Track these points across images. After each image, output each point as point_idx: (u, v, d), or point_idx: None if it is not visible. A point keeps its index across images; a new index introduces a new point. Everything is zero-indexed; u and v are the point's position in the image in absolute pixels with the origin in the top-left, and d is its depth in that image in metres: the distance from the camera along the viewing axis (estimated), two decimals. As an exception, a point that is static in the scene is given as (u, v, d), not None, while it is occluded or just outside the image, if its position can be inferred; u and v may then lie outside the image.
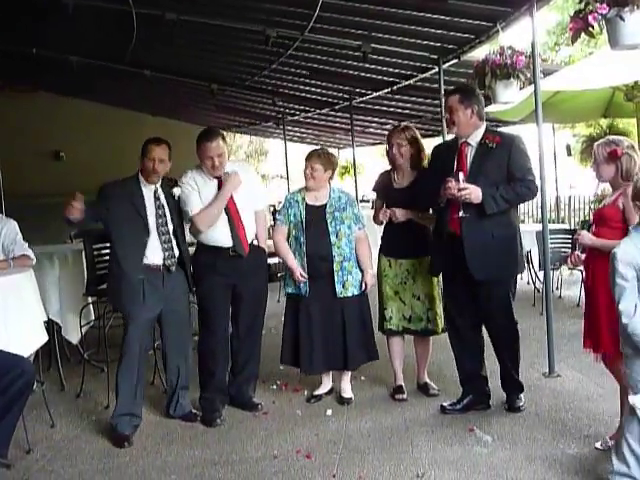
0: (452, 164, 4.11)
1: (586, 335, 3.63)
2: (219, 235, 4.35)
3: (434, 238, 4.35)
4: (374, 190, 4.90)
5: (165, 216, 4.24)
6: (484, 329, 4.32)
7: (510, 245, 4.12)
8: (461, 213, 3.98)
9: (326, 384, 4.77)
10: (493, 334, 4.28)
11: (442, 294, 4.48)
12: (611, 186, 3.60)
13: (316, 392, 4.72)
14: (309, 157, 4.52)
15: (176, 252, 4.29)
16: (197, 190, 4.32)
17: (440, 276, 4.51)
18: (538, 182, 4.16)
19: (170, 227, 4.26)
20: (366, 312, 4.61)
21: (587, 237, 3.53)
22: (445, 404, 4.35)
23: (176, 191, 4.29)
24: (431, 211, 4.53)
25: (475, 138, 4.08)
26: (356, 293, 4.52)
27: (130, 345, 4.14)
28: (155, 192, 4.25)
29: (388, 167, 4.77)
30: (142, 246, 4.15)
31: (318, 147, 4.83)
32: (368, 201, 14.62)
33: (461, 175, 3.92)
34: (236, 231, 4.34)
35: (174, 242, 4.28)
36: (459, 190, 3.89)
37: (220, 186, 4.35)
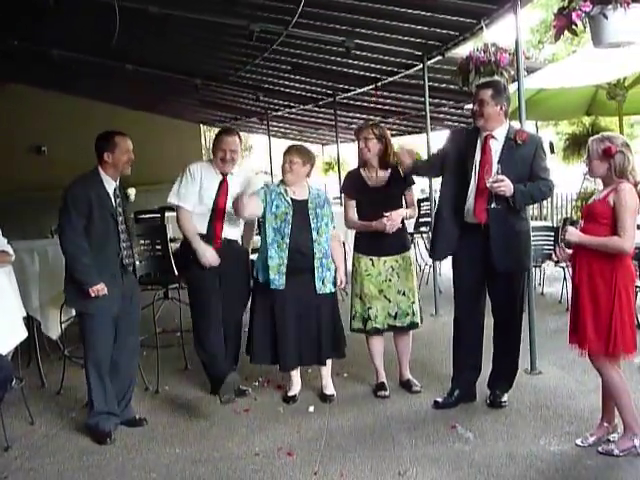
0: (471, 152, 4.14)
1: (572, 331, 3.64)
2: (200, 225, 4.50)
3: (443, 223, 4.27)
4: (343, 191, 4.83)
5: (125, 214, 4.15)
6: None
7: (527, 239, 4.29)
8: (493, 205, 4.01)
9: (297, 383, 4.69)
10: (501, 327, 4.30)
11: (454, 283, 4.38)
12: (603, 182, 3.60)
13: (290, 393, 4.65)
14: (287, 151, 4.50)
15: (134, 251, 4.21)
16: (199, 182, 4.45)
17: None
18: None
19: (128, 225, 4.18)
20: (337, 310, 4.63)
21: (575, 234, 3.53)
22: (438, 399, 4.37)
23: (131, 192, 4.23)
24: (404, 204, 4.62)
25: (500, 132, 4.12)
26: (332, 290, 4.54)
27: (96, 343, 4.06)
28: (115, 190, 4.12)
29: (354, 167, 4.79)
30: (116, 244, 4.07)
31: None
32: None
33: (497, 167, 3.95)
34: (213, 224, 4.49)
35: (131, 241, 4.20)
36: (495, 182, 3.91)
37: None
